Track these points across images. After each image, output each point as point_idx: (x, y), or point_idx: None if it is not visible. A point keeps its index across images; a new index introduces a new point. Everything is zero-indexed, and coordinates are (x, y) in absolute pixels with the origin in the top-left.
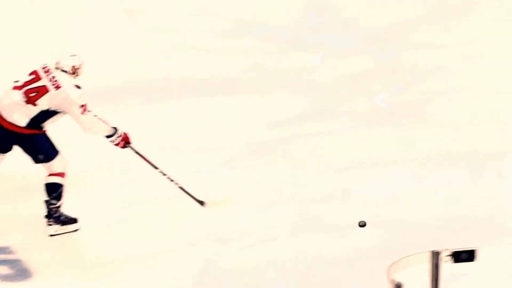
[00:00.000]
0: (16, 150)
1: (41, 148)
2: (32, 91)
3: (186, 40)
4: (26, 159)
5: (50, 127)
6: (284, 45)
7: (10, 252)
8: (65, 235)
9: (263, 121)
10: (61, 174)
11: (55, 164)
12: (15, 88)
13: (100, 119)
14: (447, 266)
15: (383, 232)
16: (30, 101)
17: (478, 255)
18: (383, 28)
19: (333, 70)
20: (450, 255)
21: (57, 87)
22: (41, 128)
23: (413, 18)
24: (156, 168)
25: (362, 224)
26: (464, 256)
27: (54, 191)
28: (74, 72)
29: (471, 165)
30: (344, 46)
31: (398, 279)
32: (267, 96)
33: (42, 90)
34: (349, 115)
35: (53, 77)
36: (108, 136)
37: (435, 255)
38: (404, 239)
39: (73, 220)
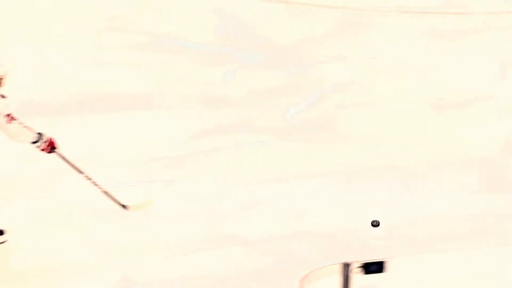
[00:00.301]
0: None
1: None
2: None
3: (101, 54)
4: None
5: None
6: (197, 60)
7: None
8: None
9: (177, 135)
10: None
11: None
12: None
13: (26, 126)
14: (357, 277)
15: (296, 245)
16: None
17: (388, 267)
18: (293, 43)
19: (245, 85)
20: (360, 267)
21: None
22: None
23: (322, 34)
24: (81, 172)
25: (376, 224)
26: (374, 267)
27: None
28: None
29: (381, 178)
30: (255, 61)
31: None
32: (180, 110)
33: None
34: (262, 129)
35: None
36: (34, 142)
37: (346, 266)
38: (318, 251)
39: (0, 232)
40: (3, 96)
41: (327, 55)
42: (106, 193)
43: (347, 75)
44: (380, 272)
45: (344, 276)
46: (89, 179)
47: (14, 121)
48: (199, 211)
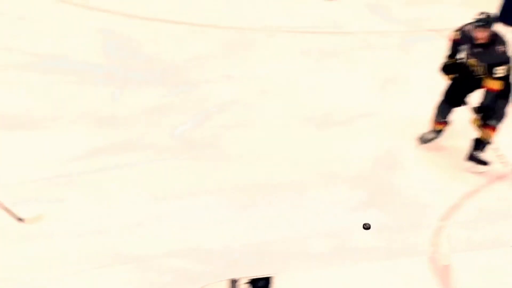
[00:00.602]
0: None
1: None
2: None
3: None
4: None
5: None
6: (84, 79)
7: None
8: None
9: (67, 154)
10: None
11: None
12: None
13: None
14: None
15: (187, 261)
16: None
17: (274, 282)
18: (179, 63)
19: (133, 104)
20: (248, 283)
21: None
22: None
23: (208, 53)
24: None
25: (367, 227)
26: (261, 283)
27: None
28: None
29: (267, 195)
30: (142, 80)
31: None
32: (69, 129)
33: None
34: (150, 147)
35: None
36: None
37: (233, 282)
38: (207, 267)
39: None
40: None
41: (213, 75)
42: (1, 205)
43: (233, 94)
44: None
45: None
46: None
47: None
48: (91, 229)
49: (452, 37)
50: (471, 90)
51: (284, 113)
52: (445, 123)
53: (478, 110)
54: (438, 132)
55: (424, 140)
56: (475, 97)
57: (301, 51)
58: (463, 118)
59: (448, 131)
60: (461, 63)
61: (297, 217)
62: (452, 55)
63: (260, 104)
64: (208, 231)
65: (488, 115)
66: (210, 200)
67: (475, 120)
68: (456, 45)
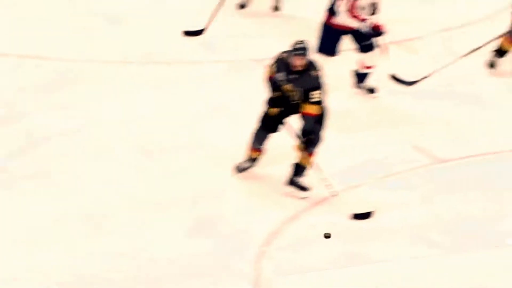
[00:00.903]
0: None
1: None
2: None
3: None
4: None
5: None
6: None
7: None
8: None
9: None
10: None
11: None
12: None
13: None
14: None
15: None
16: None
17: None
18: (7, 94)
19: None
20: None
21: None
22: None
23: (36, 85)
24: None
25: (328, 236)
26: None
27: None
28: None
29: (98, 225)
30: None
31: None
32: None
33: None
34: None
35: None
36: None
37: None
38: None
39: None
40: None
41: (40, 106)
42: None
43: (61, 125)
44: None
45: None
46: None
47: None
48: None
49: (266, 75)
50: (287, 115)
51: (111, 143)
52: (261, 150)
53: (300, 135)
54: (254, 160)
55: (240, 169)
56: (294, 123)
57: (130, 81)
58: (280, 144)
59: (265, 157)
60: (284, 95)
61: (126, 245)
62: (274, 90)
63: (87, 134)
64: (44, 261)
65: (309, 139)
66: (41, 230)
67: (298, 146)
68: (272, 81)
